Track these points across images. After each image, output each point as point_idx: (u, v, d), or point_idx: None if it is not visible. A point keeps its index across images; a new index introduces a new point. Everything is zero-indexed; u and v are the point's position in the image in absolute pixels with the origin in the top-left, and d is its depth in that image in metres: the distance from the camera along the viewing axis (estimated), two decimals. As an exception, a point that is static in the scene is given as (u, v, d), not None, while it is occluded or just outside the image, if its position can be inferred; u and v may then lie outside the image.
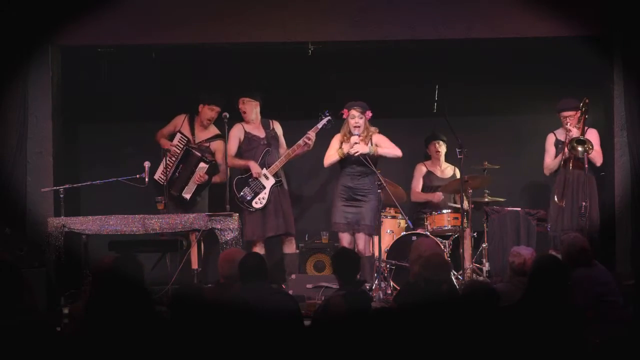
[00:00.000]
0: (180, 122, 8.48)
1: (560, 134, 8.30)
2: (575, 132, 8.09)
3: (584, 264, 6.15)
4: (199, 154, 8.33)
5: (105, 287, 5.14)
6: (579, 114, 8.11)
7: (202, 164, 8.32)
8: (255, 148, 8.34)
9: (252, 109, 8.35)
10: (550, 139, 8.37)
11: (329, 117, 7.97)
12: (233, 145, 8.31)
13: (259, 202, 8.24)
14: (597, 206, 8.11)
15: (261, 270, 5.38)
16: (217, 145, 8.46)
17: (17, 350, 4.56)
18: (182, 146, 8.36)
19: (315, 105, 8.72)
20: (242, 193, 8.28)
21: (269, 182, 8.27)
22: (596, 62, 8.52)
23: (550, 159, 8.31)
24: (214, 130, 8.51)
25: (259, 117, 8.41)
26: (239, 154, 8.37)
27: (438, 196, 8.75)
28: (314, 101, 8.79)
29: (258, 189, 8.28)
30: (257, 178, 8.23)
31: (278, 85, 8.81)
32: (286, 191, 8.43)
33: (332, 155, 7.95)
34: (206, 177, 8.32)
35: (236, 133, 8.33)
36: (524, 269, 6.29)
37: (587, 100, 8.05)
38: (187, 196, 8.35)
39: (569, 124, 8.13)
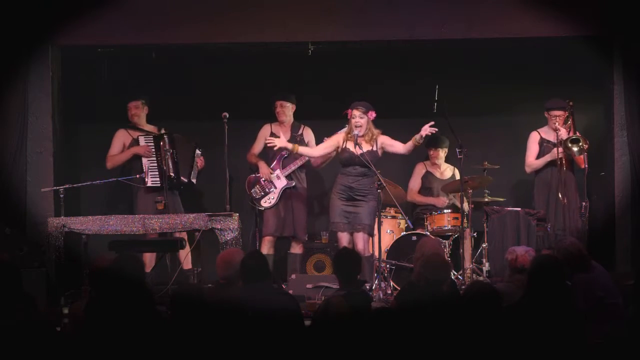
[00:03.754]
0: (125, 134, 8.44)
1: (546, 133, 8.35)
2: (564, 132, 8.14)
3: (582, 269, 6.14)
4: (192, 142, 8.40)
5: (106, 286, 5.15)
6: (566, 115, 8.17)
7: (198, 151, 8.44)
8: (275, 150, 8.42)
9: (287, 112, 8.48)
10: (534, 137, 8.43)
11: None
12: (258, 144, 8.53)
13: (267, 202, 8.40)
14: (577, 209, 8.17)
15: (263, 270, 5.38)
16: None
17: (17, 350, 4.56)
18: (152, 140, 8.32)
19: (314, 105, 8.73)
20: (252, 191, 8.44)
21: (281, 183, 8.39)
22: (596, 62, 8.52)
23: (533, 157, 8.38)
24: (152, 126, 8.52)
25: (292, 119, 8.48)
26: (264, 152, 8.50)
27: (442, 201, 8.74)
28: (314, 102, 8.80)
29: (268, 189, 8.42)
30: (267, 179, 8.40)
31: (278, 85, 8.81)
32: (302, 195, 8.53)
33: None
34: (203, 163, 8.47)
35: (263, 133, 8.53)
36: (516, 265, 6.30)
37: (571, 103, 8.14)
38: (195, 180, 8.45)
39: (557, 123, 8.18)
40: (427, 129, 7.63)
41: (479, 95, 9.06)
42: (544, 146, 8.36)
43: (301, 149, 7.98)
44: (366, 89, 8.54)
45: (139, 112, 8.47)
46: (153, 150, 8.27)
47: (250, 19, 8.24)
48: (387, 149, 7.85)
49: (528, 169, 8.46)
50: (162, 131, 8.41)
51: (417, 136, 7.69)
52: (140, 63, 8.81)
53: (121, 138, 8.45)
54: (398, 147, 7.83)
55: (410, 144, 7.75)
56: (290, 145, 7.91)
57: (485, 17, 8.27)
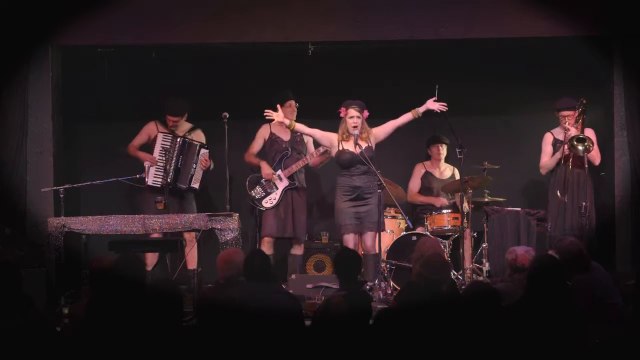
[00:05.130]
0: (154, 127, 8.53)
1: (558, 133, 8.32)
2: (573, 131, 8.11)
3: (582, 269, 6.14)
4: (197, 142, 8.42)
5: (106, 286, 5.15)
6: (577, 114, 8.14)
7: (203, 150, 8.43)
8: (276, 150, 8.49)
9: (294, 112, 8.47)
10: (548, 138, 8.39)
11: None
12: (257, 144, 8.55)
13: (269, 202, 8.41)
14: (594, 207, 8.12)
15: (265, 270, 5.38)
16: (197, 136, 8.57)
17: (17, 350, 4.56)
18: (170, 140, 8.38)
19: (314, 105, 8.73)
20: (253, 191, 8.40)
21: (283, 184, 8.39)
22: (596, 62, 8.52)
23: (547, 158, 8.33)
24: (188, 124, 8.60)
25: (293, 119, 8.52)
26: (263, 153, 8.52)
27: (441, 201, 8.75)
28: (314, 101, 8.80)
29: (270, 189, 8.42)
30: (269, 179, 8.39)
31: (278, 85, 8.80)
32: (302, 196, 8.53)
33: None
34: (210, 161, 8.43)
35: (262, 133, 8.54)
36: (516, 264, 6.30)
37: (584, 101, 8.09)
38: (197, 185, 8.45)
39: (567, 123, 8.16)
40: (435, 105, 7.58)
41: (479, 95, 9.06)
42: (558, 147, 8.29)
43: (297, 126, 7.90)
44: (366, 89, 8.54)
45: (179, 122, 8.53)
46: (159, 158, 8.31)
47: (250, 19, 8.24)
48: (383, 135, 7.78)
49: (542, 171, 8.40)
50: (196, 132, 8.51)
51: (419, 108, 7.67)
52: (140, 63, 8.81)
53: (148, 130, 8.56)
54: (389, 125, 7.78)
55: (408, 115, 7.71)
56: (287, 121, 7.83)
57: (485, 17, 8.27)
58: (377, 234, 7.68)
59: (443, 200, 8.75)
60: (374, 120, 7.87)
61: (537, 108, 8.63)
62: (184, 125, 8.59)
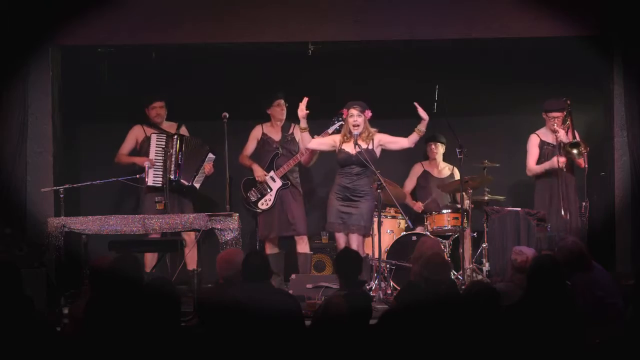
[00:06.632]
0: (141, 130, 8.51)
1: (544, 135, 8.34)
2: (562, 134, 8.14)
3: (582, 269, 6.14)
4: (206, 145, 8.41)
5: (105, 286, 5.15)
6: (564, 114, 8.17)
7: (210, 155, 8.42)
8: (268, 150, 8.50)
9: (283, 111, 8.49)
10: (534, 140, 8.40)
11: (341, 122, 7.93)
12: (250, 146, 8.57)
13: (264, 204, 8.41)
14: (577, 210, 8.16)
15: (264, 270, 5.38)
16: (183, 132, 8.55)
17: (17, 350, 4.56)
18: (165, 139, 8.34)
19: (314, 105, 8.72)
20: (248, 194, 8.42)
21: (276, 185, 8.40)
22: (596, 62, 8.53)
23: (534, 161, 8.36)
24: (173, 124, 8.57)
25: (284, 119, 8.53)
26: (256, 154, 8.52)
27: (418, 207, 8.79)
28: (314, 102, 8.79)
29: (264, 191, 8.44)
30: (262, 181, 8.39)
31: (278, 85, 8.81)
32: (298, 193, 8.53)
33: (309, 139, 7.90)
34: (213, 169, 8.40)
35: (255, 134, 8.58)
36: (526, 266, 6.29)
37: (568, 101, 8.11)
38: (198, 185, 8.43)
39: (555, 124, 8.18)
40: (422, 112, 7.65)
41: (479, 95, 9.07)
42: (545, 149, 8.34)
43: (304, 134, 7.91)
44: (366, 89, 8.55)
45: (162, 112, 8.51)
46: (156, 158, 8.28)
47: (250, 19, 8.24)
48: (388, 146, 7.82)
49: (529, 173, 8.46)
50: (182, 129, 8.47)
51: (419, 126, 7.69)
52: (140, 63, 8.81)
53: (135, 134, 8.51)
54: (402, 142, 7.81)
55: (414, 135, 7.75)
56: (304, 123, 7.80)
57: (485, 17, 8.27)
58: (364, 238, 7.72)
59: (419, 206, 8.78)
60: (375, 120, 7.86)
61: (537, 108, 8.62)
62: (166, 124, 8.56)
